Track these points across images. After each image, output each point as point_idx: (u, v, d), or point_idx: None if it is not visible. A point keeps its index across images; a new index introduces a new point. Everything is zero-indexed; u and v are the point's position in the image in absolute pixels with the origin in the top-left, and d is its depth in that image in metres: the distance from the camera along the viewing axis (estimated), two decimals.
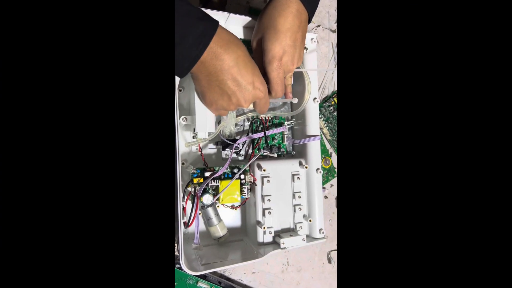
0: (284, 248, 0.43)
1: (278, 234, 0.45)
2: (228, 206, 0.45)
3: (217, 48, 0.30)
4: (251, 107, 0.38)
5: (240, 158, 0.47)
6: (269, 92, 0.39)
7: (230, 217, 0.48)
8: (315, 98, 0.47)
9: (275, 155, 0.46)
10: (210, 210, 0.44)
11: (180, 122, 0.41)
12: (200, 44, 0.29)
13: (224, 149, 0.44)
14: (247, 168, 0.44)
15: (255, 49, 0.39)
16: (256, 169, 0.44)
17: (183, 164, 0.44)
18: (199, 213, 0.45)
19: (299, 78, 0.48)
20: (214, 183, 0.40)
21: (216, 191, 0.41)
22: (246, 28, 0.45)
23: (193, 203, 0.39)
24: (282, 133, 0.48)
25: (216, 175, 0.40)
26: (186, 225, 0.38)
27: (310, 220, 0.46)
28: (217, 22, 0.30)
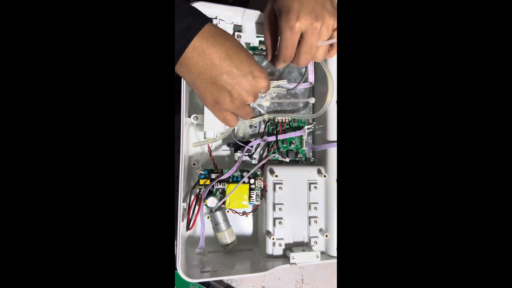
0: (294, 263, 0.39)
1: (290, 247, 0.41)
2: (236, 212, 0.43)
3: (202, 43, 0.27)
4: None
5: (254, 161, 0.44)
6: (277, 57, 0.33)
7: (242, 224, 0.45)
8: None
9: (287, 159, 0.42)
10: (218, 214, 0.42)
11: (191, 121, 0.40)
12: (183, 38, 0.26)
13: (236, 151, 0.42)
14: (259, 173, 0.41)
15: (268, 21, 0.33)
16: (268, 174, 0.41)
17: (194, 164, 0.43)
18: (207, 217, 0.43)
19: (322, 77, 0.44)
20: (220, 186, 0.38)
21: (223, 195, 0.39)
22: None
23: (195, 205, 0.37)
24: (301, 138, 0.45)
25: (223, 177, 0.38)
26: (187, 227, 0.36)
27: (326, 236, 0.42)
28: (208, 19, 0.28)
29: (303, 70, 0.45)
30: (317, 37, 0.30)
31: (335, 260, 0.41)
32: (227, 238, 0.42)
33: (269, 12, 0.33)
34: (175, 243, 0.34)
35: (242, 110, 0.31)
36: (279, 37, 0.32)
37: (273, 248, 0.40)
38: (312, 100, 0.39)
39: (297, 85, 0.42)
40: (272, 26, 0.34)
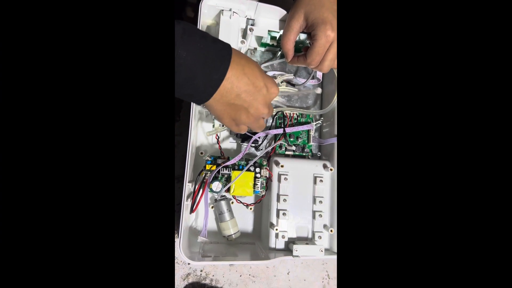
0: (297, 256, 0.38)
1: (293, 241, 0.40)
2: (241, 202, 0.43)
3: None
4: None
5: (260, 153, 0.45)
6: (301, 60, 0.37)
7: (244, 219, 0.45)
8: None
9: (293, 147, 0.43)
10: (223, 203, 0.42)
11: (201, 109, 0.41)
12: (217, 70, 0.27)
13: (243, 141, 0.43)
14: (264, 163, 0.41)
15: (295, 28, 0.36)
16: (274, 165, 0.41)
17: (201, 154, 0.44)
18: (211, 207, 0.43)
19: (330, 76, 0.45)
20: (226, 171, 0.39)
21: (228, 182, 0.39)
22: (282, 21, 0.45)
23: (199, 188, 0.37)
24: (308, 133, 0.45)
25: (228, 163, 0.38)
26: (191, 210, 0.36)
27: (331, 231, 0.41)
28: (228, 44, 0.29)
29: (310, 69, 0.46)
30: None
31: None
32: (230, 228, 0.41)
33: (299, 20, 0.36)
34: (179, 224, 0.34)
35: (256, 123, 0.33)
36: (308, 44, 0.35)
37: (276, 240, 0.40)
38: (318, 91, 0.39)
39: (306, 81, 0.43)
40: (297, 33, 0.37)
